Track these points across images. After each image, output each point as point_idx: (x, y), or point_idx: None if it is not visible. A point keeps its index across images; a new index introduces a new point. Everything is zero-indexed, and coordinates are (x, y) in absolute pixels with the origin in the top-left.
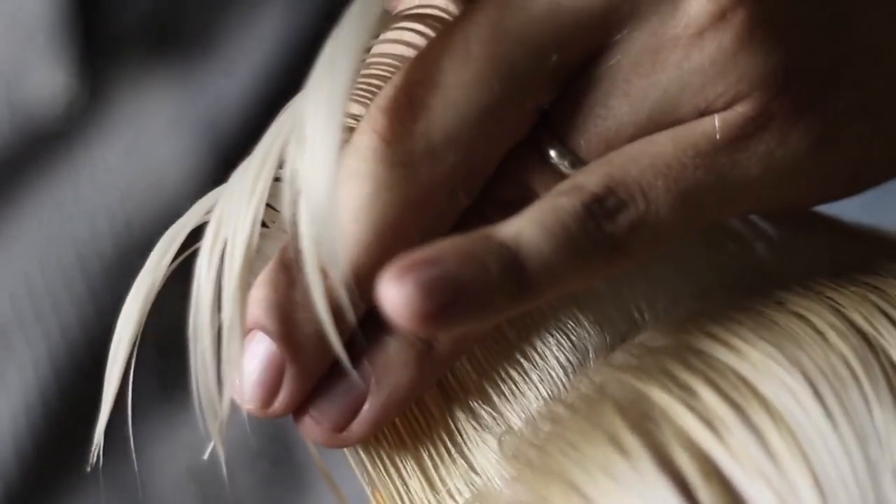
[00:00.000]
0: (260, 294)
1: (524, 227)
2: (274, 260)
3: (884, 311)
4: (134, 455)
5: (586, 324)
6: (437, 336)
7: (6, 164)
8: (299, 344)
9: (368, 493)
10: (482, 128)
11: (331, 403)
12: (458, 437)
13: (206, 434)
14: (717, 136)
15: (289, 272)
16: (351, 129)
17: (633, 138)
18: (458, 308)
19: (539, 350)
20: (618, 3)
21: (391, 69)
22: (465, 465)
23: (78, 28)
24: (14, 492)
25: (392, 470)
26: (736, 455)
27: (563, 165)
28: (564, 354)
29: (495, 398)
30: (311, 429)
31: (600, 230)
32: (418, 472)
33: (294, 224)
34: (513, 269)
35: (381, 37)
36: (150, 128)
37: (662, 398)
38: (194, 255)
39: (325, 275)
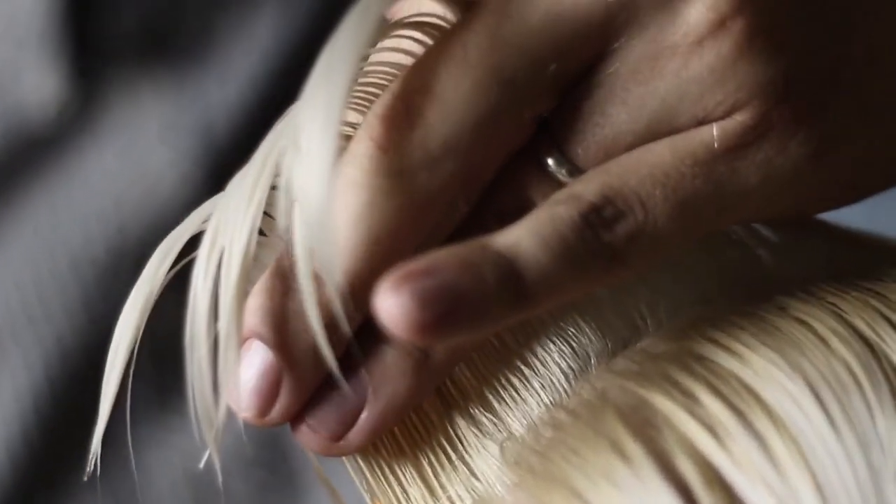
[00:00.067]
0: (256, 303)
1: (521, 237)
2: (270, 268)
3: (886, 317)
4: (133, 462)
5: (587, 330)
6: (435, 345)
7: None
8: (296, 353)
9: (367, 500)
10: (480, 136)
11: (328, 412)
12: (459, 444)
13: (201, 442)
14: (716, 145)
15: (285, 281)
16: (348, 138)
17: (631, 147)
18: (454, 318)
19: (540, 356)
20: (616, 11)
21: (389, 77)
22: (467, 471)
23: (72, 33)
24: (8, 499)
25: (391, 477)
26: (738, 462)
27: (561, 174)
28: (566, 361)
29: (496, 405)
30: (308, 438)
31: (598, 240)
32: (418, 480)
33: (290, 233)
34: (510, 280)
35: (379, 45)
36: (144, 133)
37: (664, 404)
38: (191, 263)
39: (321, 284)
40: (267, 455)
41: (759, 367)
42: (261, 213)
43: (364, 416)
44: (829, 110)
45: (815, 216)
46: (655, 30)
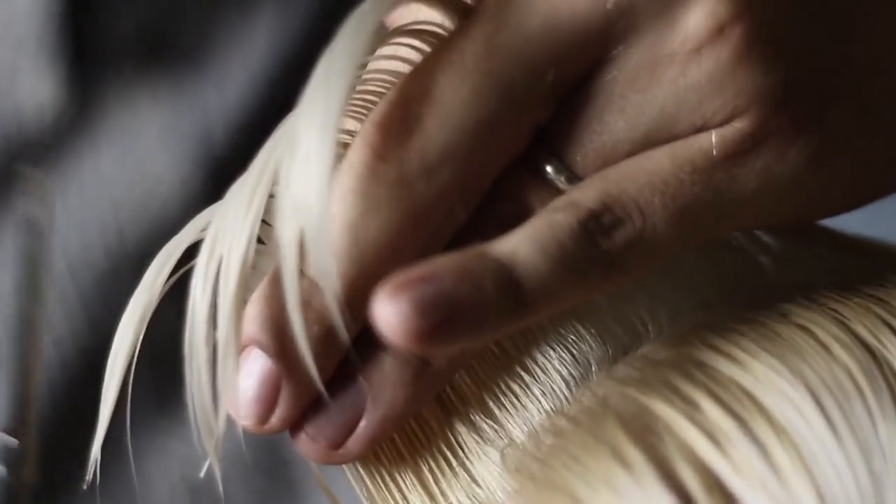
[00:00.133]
0: (255, 310)
1: (520, 244)
2: (269, 276)
3: (888, 324)
4: (133, 469)
5: (588, 337)
6: (433, 353)
7: None
8: (295, 360)
9: None
10: (478, 144)
11: (327, 420)
12: (460, 451)
13: (201, 449)
14: (715, 153)
15: None
16: (346, 145)
17: (629, 154)
18: (453, 326)
19: (541, 363)
20: (615, 18)
21: (387, 85)
22: (467, 477)
23: (69, 37)
24: None
25: (392, 484)
26: (739, 469)
27: (560, 181)
28: (566, 367)
29: (497, 411)
30: (308, 446)
31: (596, 247)
32: (418, 486)
33: (283, 240)
34: (509, 287)
35: (377, 52)
36: (142, 138)
37: (665, 411)
38: (190, 271)
39: (318, 292)
40: (267, 462)
41: (760, 373)
42: (259, 221)
43: (363, 424)
44: (828, 117)
45: (815, 222)
46: (654, 37)
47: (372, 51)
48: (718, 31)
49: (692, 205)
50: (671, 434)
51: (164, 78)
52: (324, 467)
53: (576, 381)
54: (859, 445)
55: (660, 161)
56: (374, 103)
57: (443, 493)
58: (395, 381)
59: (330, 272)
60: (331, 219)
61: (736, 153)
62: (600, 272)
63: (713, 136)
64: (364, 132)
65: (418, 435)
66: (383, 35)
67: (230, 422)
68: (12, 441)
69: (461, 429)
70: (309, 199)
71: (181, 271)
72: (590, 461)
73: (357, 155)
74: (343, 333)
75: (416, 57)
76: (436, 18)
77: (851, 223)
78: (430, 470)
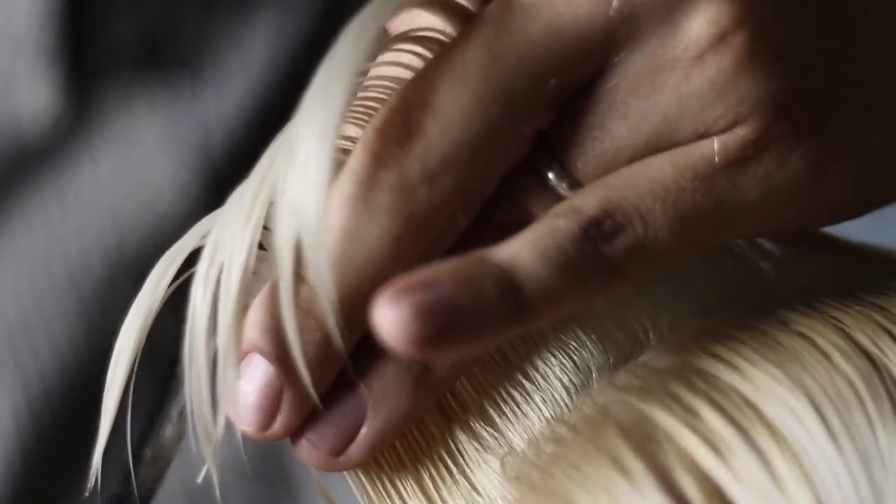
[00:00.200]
0: (257, 316)
1: (521, 250)
2: (270, 283)
3: (889, 332)
4: (134, 477)
5: (589, 344)
6: (433, 359)
7: None
8: (297, 367)
9: None
10: (480, 150)
11: (328, 427)
12: (460, 458)
13: (199, 456)
14: (716, 159)
15: None
16: (347, 152)
17: (631, 161)
18: (453, 332)
19: (541, 371)
20: (617, 25)
21: (388, 91)
22: (468, 485)
23: (67, 44)
24: None
25: (392, 491)
26: (739, 477)
27: (561, 188)
28: (567, 375)
29: (497, 419)
30: (309, 453)
31: (597, 253)
32: (419, 493)
33: (280, 246)
34: (509, 293)
35: (379, 59)
36: (141, 145)
37: (666, 420)
38: (191, 278)
39: (316, 299)
40: (267, 468)
41: (760, 381)
42: (260, 228)
43: (364, 430)
44: (830, 123)
45: (817, 230)
46: (656, 44)
47: (373, 57)
48: (721, 38)
49: (693, 212)
50: (671, 442)
51: (163, 84)
52: (325, 474)
53: (576, 389)
54: (859, 454)
55: (661, 168)
56: (375, 110)
57: (443, 501)
58: (396, 387)
59: (326, 279)
60: (330, 225)
61: (738, 160)
62: (601, 278)
63: (715, 143)
64: (365, 138)
65: (419, 442)
66: (385, 41)
67: (230, 427)
68: None
69: (462, 436)
70: (306, 205)
71: (182, 277)
72: (590, 469)
73: (358, 161)
74: (338, 340)
75: (417, 63)
76: (437, 25)
77: (853, 230)
78: (431, 477)
